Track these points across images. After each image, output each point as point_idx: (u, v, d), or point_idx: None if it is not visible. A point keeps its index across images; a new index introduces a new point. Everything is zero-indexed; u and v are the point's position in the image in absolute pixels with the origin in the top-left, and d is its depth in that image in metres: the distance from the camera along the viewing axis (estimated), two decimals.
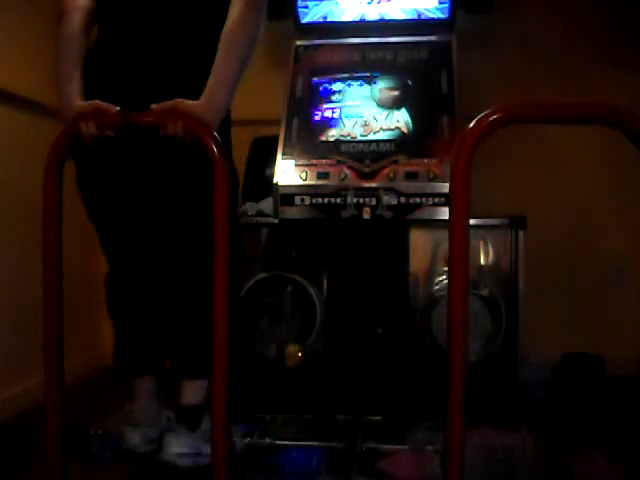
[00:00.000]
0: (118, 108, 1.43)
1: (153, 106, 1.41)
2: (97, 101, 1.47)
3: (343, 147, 2.22)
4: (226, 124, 1.62)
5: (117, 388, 2.32)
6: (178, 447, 1.67)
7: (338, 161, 2.18)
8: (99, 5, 1.62)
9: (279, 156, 2.22)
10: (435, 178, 2.08)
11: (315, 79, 2.40)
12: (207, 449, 1.57)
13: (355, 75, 2.38)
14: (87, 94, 1.54)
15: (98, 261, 2.92)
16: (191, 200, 1.57)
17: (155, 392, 1.83)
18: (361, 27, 2.52)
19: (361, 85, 2.36)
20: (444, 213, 2.03)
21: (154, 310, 1.79)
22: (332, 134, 2.27)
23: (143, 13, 1.58)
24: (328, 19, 2.54)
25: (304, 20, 2.55)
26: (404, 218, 2.11)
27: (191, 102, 1.44)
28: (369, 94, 2.33)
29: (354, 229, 2.23)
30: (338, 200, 2.12)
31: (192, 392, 1.73)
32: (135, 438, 1.76)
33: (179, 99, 1.43)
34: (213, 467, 1.31)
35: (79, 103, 1.50)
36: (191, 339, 1.71)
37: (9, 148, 2.33)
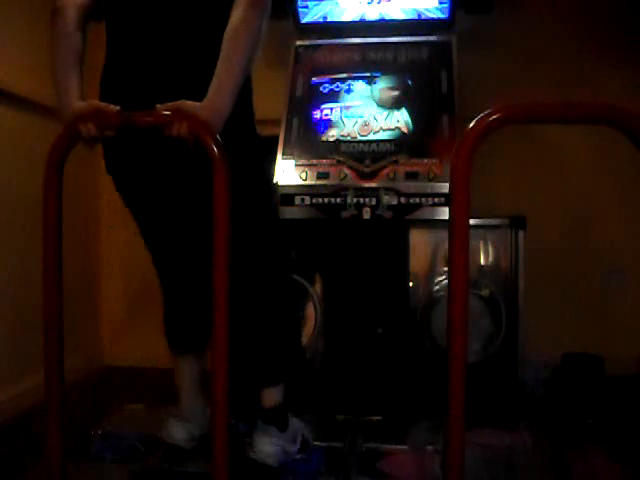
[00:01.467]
0: (118, 107, 1.43)
1: (158, 106, 1.42)
2: (96, 101, 1.48)
3: (343, 147, 2.22)
4: (251, 126, 1.68)
5: (117, 388, 2.33)
6: (269, 446, 1.72)
7: (338, 161, 2.18)
8: (106, 9, 1.63)
9: (279, 156, 2.22)
10: (435, 178, 2.08)
11: (315, 79, 2.40)
12: (293, 448, 1.77)
13: (355, 75, 2.38)
14: (101, 97, 1.57)
15: (98, 261, 2.94)
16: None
17: (200, 382, 1.85)
18: (361, 27, 2.52)
19: (361, 85, 2.36)
20: (444, 213, 2.03)
21: (196, 293, 1.79)
22: (332, 134, 2.27)
23: (149, 15, 1.58)
24: (328, 19, 2.55)
25: (304, 20, 2.55)
26: (404, 218, 2.11)
27: (195, 103, 1.44)
28: (369, 94, 2.33)
29: (354, 229, 2.23)
30: (338, 200, 2.13)
31: (272, 393, 1.76)
32: (181, 433, 1.79)
33: (183, 100, 1.44)
34: (214, 467, 1.31)
35: (78, 104, 1.51)
36: (263, 348, 1.74)
37: (9, 148, 2.33)
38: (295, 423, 1.83)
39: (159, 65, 1.56)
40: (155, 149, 1.56)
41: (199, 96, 1.47)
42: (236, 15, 1.49)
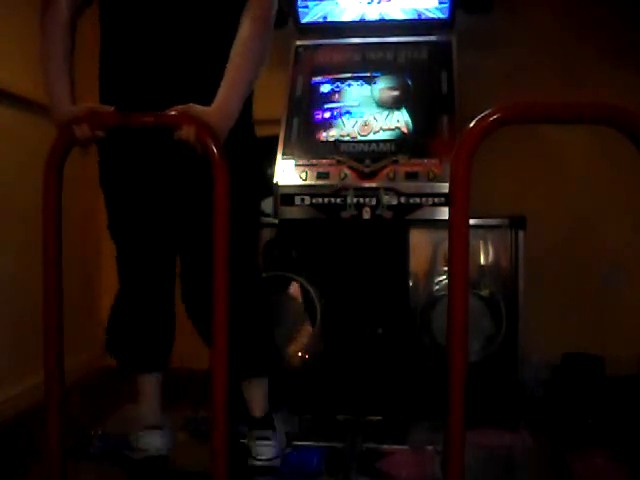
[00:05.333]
0: (113, 107, 1.43)
1: (167, 110, 1.41)
2: (90, 103, 1.48)
3: (343, 147, 2.22)
4: (249, 130, 1.69)
5: (117, 388, 2.33)
6: (271, 450, 1.75)
7: (338, 161, 2.18)
8: (103, 11, 1.62)
9: (279, 156, 2.22)
10: (435, 178, 2.08)
11: (315, 79, 2.40)
12: (284, 442, 1.82)
13: (355, 75, 2.38)
14: (101, 99, 1.57)
15: (98, 261, 2.93)
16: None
17: (160, 393, 1.81)
18: (361, 27, 2.52)
19: (361, 85, 2.36)
20: (444, 213, 2.03)
21: (164, 305, 1.77)
22: (332, 134, 2.27)
23: (153, 15, 1.57)
24: (328, 19, 2.54)
25: (304, 20, 2.55)
26: (404, 218, 2.11)
27: (203, 108, 1.44)
28: (369, 94, 2.33)
29: (354, 229, 2.23)
30: (338, 200, 2.13)
31: (260, 402, 1.78)
32: (160, 441, 1.73)
33: (192, 104, 1.43)
34: (214, 468, 1.31)
35: (71, 107, 1.50)
36: (242, 340, 1.68)
37: (9, 148, 2.33)
38: (276, 418, 1.86)
39: (162, 66, 1.55)
40: (152, 150, 1.56)
41: (200, 98, 1.46)
42: (244, 30, 1.53)
